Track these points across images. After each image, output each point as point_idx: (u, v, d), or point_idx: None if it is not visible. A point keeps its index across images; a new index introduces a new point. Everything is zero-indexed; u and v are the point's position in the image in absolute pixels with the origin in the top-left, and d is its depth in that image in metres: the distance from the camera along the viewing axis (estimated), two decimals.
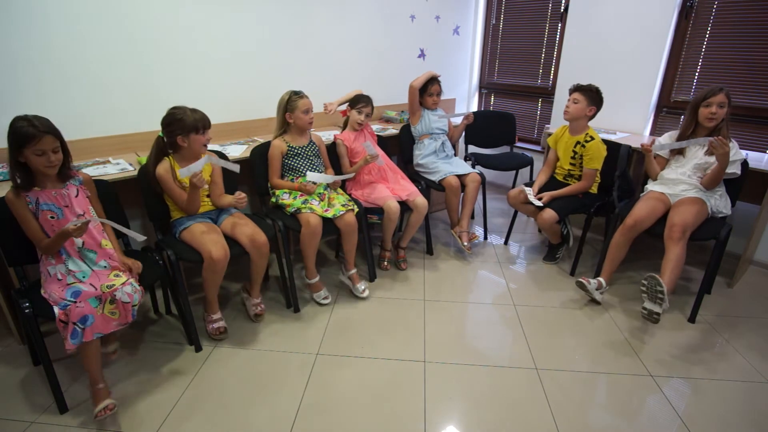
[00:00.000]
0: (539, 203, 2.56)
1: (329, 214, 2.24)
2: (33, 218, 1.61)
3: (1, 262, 1.81)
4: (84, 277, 1.64)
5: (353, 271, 2.43)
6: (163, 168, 1.96)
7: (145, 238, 1.71)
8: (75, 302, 1.53)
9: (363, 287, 2.41)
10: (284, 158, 2.35)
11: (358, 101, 2.58)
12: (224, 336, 2.08)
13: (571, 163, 2.65)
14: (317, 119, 2.58)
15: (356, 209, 2.34)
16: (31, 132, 1.51)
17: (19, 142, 1.52)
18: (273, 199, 2.38)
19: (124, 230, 1.65)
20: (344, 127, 2.71)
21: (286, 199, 2.30)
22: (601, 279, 2.34)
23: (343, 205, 2.30)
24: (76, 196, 1.70)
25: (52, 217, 1.63)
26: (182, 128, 1.92)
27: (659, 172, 2.41)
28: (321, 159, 2.48)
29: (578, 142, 2.57)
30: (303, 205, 2.22)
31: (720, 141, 2.06)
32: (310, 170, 2.38)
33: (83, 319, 1.52)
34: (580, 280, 2.30)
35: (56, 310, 1.52)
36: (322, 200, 2.32)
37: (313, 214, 2.19)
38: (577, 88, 2.53)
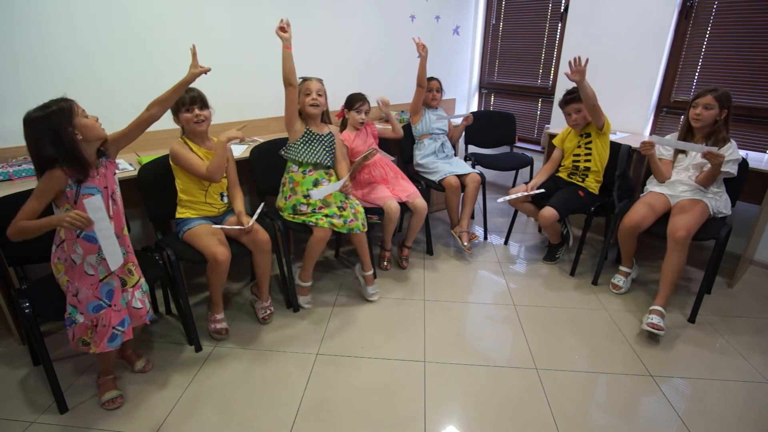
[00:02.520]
0: (524, 193, 2.62)
1: (343, 229, 2.22)
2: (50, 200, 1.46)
3: (1, 262, 1.81)
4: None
5: (370, 272, 2.40)
6: (177, 143, 1.97)
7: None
8: (110, 305, 1.51)
9: (373, 291, 2.39)
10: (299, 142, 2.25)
11: (354, 101, 2.53)
12: (225, 337, 2.08)
13: (575, 154, 2.63)
14: None
15: (365, 229, 2.31)
16: (68, 103, 1.42)
17: (65, 116, 1.39)
18: (286, 212, 2.28)
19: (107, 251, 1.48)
20: (343, 128, 2.71)
21: (303, 209, 2.23)
22: (622, 268, 2.49)
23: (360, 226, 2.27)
24: (114, 174, 1.62)
25: None
26: (173, 112, 1.95)
27: (668, 176, 2.36)
28: (333, 152, 2.34)
29: (586, 133, 2.59)
30: (318, 214, 2.19)
31: (712, 154, 2.05)
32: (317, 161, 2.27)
33: (122, 322, 1.52)
34: (613, 291, 2.48)
35: (80, 318, 1.47)
36: (344, 209, 2.25)
37: (324, 229, 2.17)
38: (572, 99, 2.51)
